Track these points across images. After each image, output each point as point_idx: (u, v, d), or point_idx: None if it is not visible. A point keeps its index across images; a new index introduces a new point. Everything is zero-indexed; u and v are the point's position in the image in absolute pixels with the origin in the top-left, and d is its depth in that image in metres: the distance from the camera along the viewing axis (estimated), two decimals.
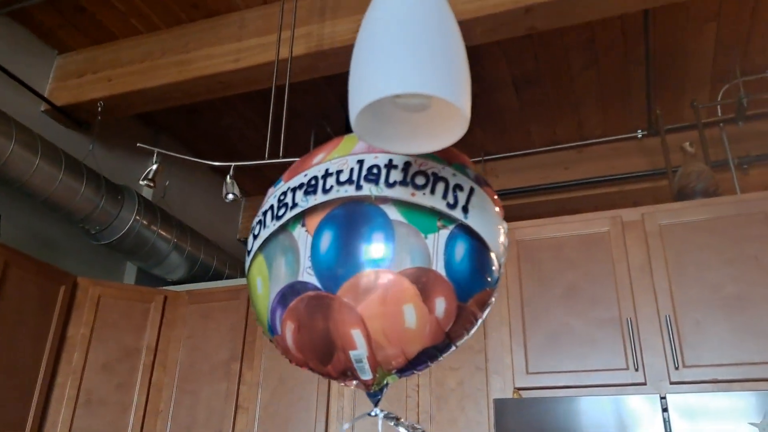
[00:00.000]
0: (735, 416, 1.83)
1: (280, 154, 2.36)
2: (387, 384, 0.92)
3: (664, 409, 1.92)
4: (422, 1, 0.77)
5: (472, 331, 0.92)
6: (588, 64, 3.29)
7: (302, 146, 4.00)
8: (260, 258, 0.99)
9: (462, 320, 0.87)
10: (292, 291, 0.92)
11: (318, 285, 0.89)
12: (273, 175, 4.48)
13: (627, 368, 2.22)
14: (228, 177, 2.24)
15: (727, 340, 2.15)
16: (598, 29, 3.08)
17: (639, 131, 3.63)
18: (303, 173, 0.98)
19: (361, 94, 0.69)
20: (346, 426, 0.99)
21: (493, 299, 0.91)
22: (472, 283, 0.88)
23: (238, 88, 3.05)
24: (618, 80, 3.37)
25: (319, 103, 3.72)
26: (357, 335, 0.88)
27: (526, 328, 2.42)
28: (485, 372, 2.59)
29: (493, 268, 0.90)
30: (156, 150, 2.25)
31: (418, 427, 0.93)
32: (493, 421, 2.37)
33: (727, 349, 2.14)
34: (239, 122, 3.88)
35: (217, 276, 3.86)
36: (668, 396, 1.93)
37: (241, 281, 3.31)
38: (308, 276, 0.90)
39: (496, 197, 0.97)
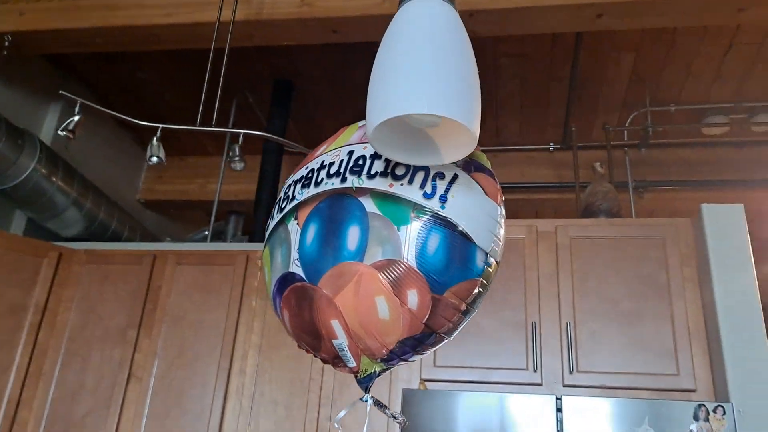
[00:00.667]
0: (620, 420, 2.00)
1: (213, 122, 2.29)
2: (375, 372, 0.94)
3: (559, 410, 2.06)
4: (441, 20, 0.79)
5: (464, 320, 0.93)
6: (515, 74, 3.42)
7: (223, 114, 3.88)
8: (266, 248, 1.02)
9: (440, 311, 0.89)
10: (284, 281, 0.94)
11: (303, 276, 0.91)
12: (189, 142, 4.31)
13: (527, 369, 2.36)
14: (154, 139, 2.14)
15: (618, 351, 2.34)
16: (531, 43, 3.20)
17: (552, 144, 3.82)
18: (305, 166, 0.98)
19: (378, 110, 0.71)
20: (341, 414, 0.99)
21: (480, 290, 0.92)
22: (447, 275, 0.89)
23: (169, 44, 2.90)
24: (540, 93, 3.53)
25: (245, 73, 3.62)
26: (336, 325, 0.90)
27: None
28: None
29: (476, 258, 0.91)
30: (79, 100, 2.10)
31: (399, 416, 0.96)
32: (399, 409, 2.44)
33: (618, 358, 2.32)
34: (157, 79, 3.70)
35: (115, 237, 3.67)
36: (563, 398, 2.08)
37: (147, 246, 3.18)
38: (296, 267, 0.92)
39: (491, 183, 0.96)
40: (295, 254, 0.92)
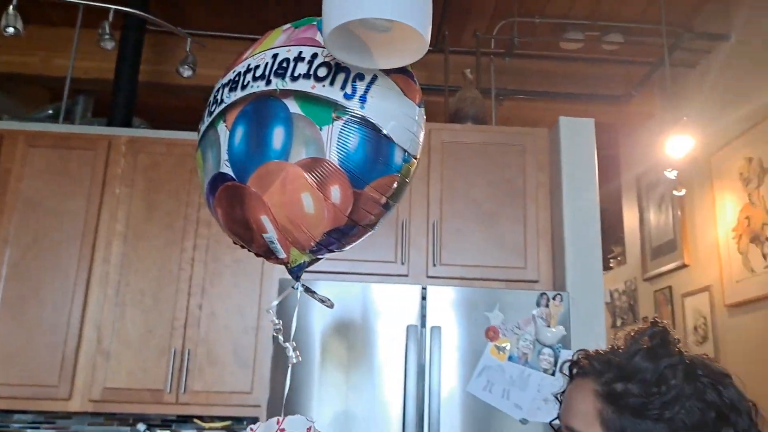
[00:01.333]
0: (476, 307, 2.24)
1: None
2: (305, 262, 0.99)
3: (423, 297, 2.26)
4: None
5: (385, 213, 1.00)
6: None
7: None
8: (199, 151, 1.03)
9: (362, 205, 0.95)
10: (216, 181, 0.96)
11: (233, 176, 0.93)
12: (30, 9, 3.83)
13: (395, 261, 2.53)
14: (11, 7, 1.92)
15: (476, 247, 2.57)
16: None
17: None
18: (233, 70, 0.96)
19: (335, 14, 0.73)
20: (274, 303, 1.04)
21: (398, 184, 0.99)
22: (366, 171, 0.95)
23: None
24: None
25: None
26: (265, 220, 0.94)
27: None
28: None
29: (395, 155, 0.97)
30: None
31: (327, 299, 1.03)
32: (266, 296, 2.53)
33: (476, 254, 2.56)
34: None
35: None
36: (428, 287, 2.28)
37: None
38: (226, 168, 0.95)
39: (410, 83, 0.99)
40: (224, 155, 0.95)
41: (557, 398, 0.96)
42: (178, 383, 2.58)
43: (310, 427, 0.90)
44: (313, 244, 0.96)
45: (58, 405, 2.56)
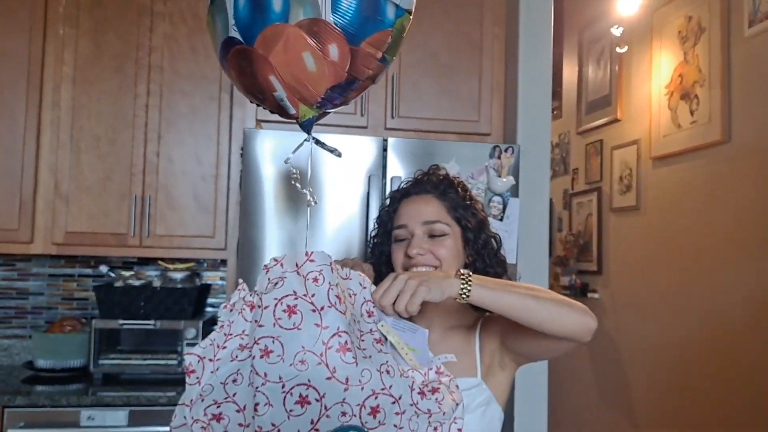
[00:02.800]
0: (433, 159, 2.36)
1: None
2: (314, 117, 1.06)
3: (384, 149, 2.37)
4: None
5: (383, 67, 1.07)
6: None
7: None
8: (209, 17, 1.08)
9: (359, 61, 1.02)
10: (227, 45, 1.03)
11: (241, 39, 1.00)
12: None
13: (355, 113, 2.59)
14: None
15: (433, 100, 2.66)
16: None
17: None
18: None
19: None
20: (291, 155, 1.12)
21: (393, 39, 1.05)
22: (360, 28, 1.00)
23: None
24: None
25: None
26: (274, 80, 0.99)
27: None
28: (218, 101, 2.70)
29: (387, 10, 1.03)
30: None
31: (335, 149, 1.13)
32: (225, 144, 2.58)
33: (432, 106, 2.65)
34: None
35: None
36: (388, 139, 2.38)
37: None
38: (234, 32, 1.01)
39: None
40: (231, 20, 1.01)
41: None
42: (141, 227, 2.66)
43: (332, 261, 1.02)
44: (318, 99, 1.03)
45: (20, 248, 2.61)
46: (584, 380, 4.44)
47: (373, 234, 1.39)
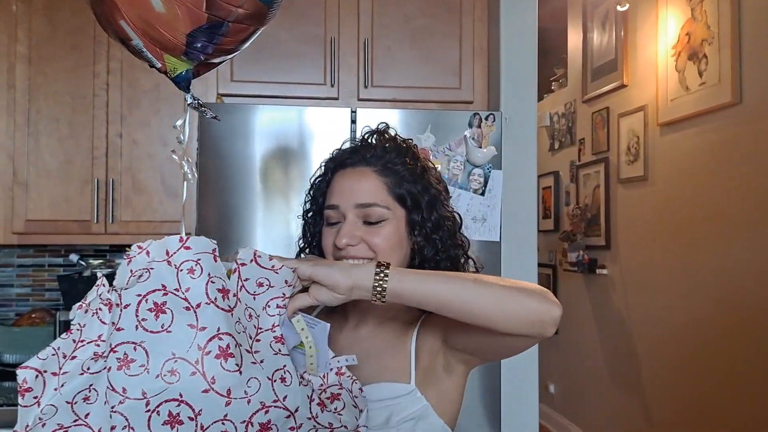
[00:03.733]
0: (407, 129, 2.18)
1: None
2: (188, 71, 0.89)
3: (353, 121, 2.18)
4: None
5: (266, 5, 0.88)
6: None
7: None
8: None
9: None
10: None
11: None
12: None
13: (324, 83, 2.41)
14: None
15: (409, 67, 2.45)
16: None
17: None
18: None
19: None
20: (179, 122, 0.93)
21: None
22: None
23: None
24: None
25: None
26: (125, 26, 0.82)
27: None
28: None
29: None
30: None
31: (215, 115, 0.95)
32: (194, 123, 2.41)
33: (408, 74, 2.45)
34: None
35: None
36: (358, 110, 2.19)
37: None
38: None
39: None
40: None
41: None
42: (106, 213, 2.51)
43: (215, 249, 0.84)
44: (181, 46, 0.85)
45: None
46: (593, 360, 4.25)
47: (304, 209, 1.16)
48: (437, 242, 1.07)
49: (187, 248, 0.82)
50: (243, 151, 2.15)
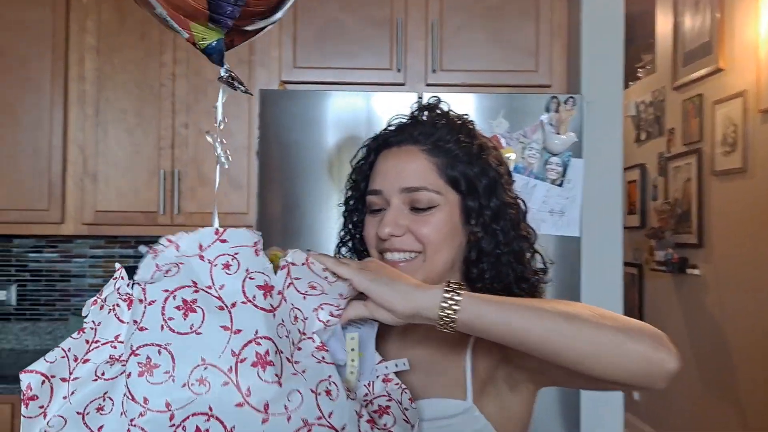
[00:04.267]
0: (478, 115, 2.03)
1: None
2: (219, 39, 0.79)
3: None
4: None
5: None
6: None
7: None
8: None
9: None
10: None
11: None
12: None
13: (391, 68, 2.29)
14: None
15: (481, 48, 2.30)
16: None
17: None
18: None
19: None
20: (219, 103, 0.84)
21: None
22: None
23: None
24: None
25: None
26: None
27: (297, 20, 2.30)
28: (249, 64, 2.47)
29: None
30: None
31: (247, 90, 0.84)
32: (256, 111, 2.33)
33: (480, 56, 2.29)
34: None
35: None
36: (425, 96, 2.05)
37: None
38: None
39: None
40: None
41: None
42: (172, 205, 2.49)
43: (257, 242, 0.73)
44: (205, 12, 0.74)
45: (51, 229, 2.51)
46: (686, 367, 3.94)
47: (346, 196, 1.03)
48: (498, 233, 0.91)
49: (224, 241, 0.71)
50: (306, 140, 2.06)
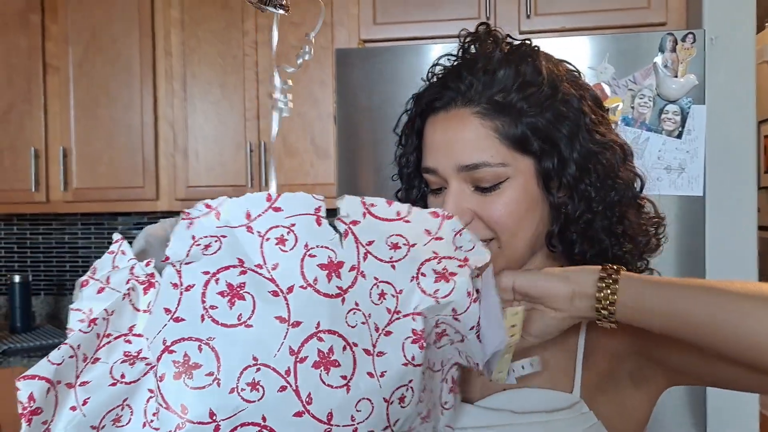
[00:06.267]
0: (579, 61, 1.78)
1: None
2: None
3: None
4: None
5: None
6: None
7: None
8: None
9: None
10: None
11: None
12: None
13: (478, 17, 2.08)
14: None
15: None
16: None
17: None
18: None
19: None
20: (313, 33, 0.70)
21: None
22: None
23: None
24: None
25: None
26: None
27: None
28: (330, 26, 2.35)
29: None
30: None
31: (276, 7, 0.69)
32: (333, 70, 2.21)
33: None
34: None
35: None
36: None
37: None
38: None
39: None
40: None
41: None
42: (259, 177, 2.44)
43: (319, 208, 0.57)
44: None
45: (148, 206, 2.54)
46: None
47: (399, 155, 0.85)
48: (588, 191, 0.72)
49: (277, 209, 0.57)
50: (388, 102, 1.91)
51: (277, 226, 0.56)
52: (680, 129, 1.72)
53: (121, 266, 0.59)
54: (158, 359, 0.54)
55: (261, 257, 0.55)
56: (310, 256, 0.55)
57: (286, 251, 0.55)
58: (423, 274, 0.58)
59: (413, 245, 0.59)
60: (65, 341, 0.56)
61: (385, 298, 0.57)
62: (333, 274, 0.56)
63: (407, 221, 0.59)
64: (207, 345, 0.53)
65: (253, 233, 0.56)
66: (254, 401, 0.52)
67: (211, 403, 0.52)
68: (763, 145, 4.24)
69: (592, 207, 0.72)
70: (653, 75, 1.73)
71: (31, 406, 0.53)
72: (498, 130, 0.71)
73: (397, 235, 0.59)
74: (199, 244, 0.56)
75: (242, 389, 0.52)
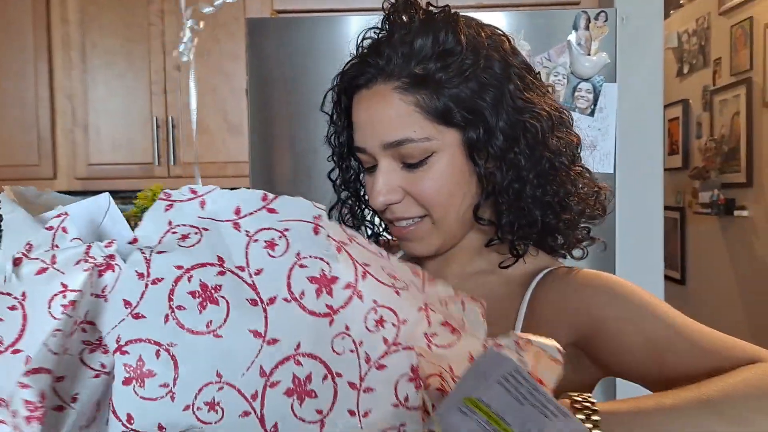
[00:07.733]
0: None
1: None
2: None
3: None
4: None
5: None
6: None
7: None
8: None
9: None
10: None
11: None
12: None
13: None
14: None
15: None
16: None
17: None
18: None
19: None
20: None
21: None
22: None
23: None
24: None
25: None
26: None
27: None
28: None
29: None
30: None
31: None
32: (245, 41, 2.12)
33: None
34: None
35: None
36: None
37: None
38: None
39: None
40: None
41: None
42: (167, 155, 2.31)
43: (320, 216, 0.48)
44: None
45: (44, 185, 2.36)
46: (731, 314, 3.69)
47: (330, 135, 0.81)
48: (517, 159, 0.69)
49: (272, 211, 0.48)
50: (301, 75, 1.84)
51: (268, 228, 0.48)
52: (593, 107, 1.75)
53: (62, 246, 0.47)
54: (113, 357, 0.47)
55: (245, 258, 0.47)
56: (300, 266, 0.48)
57: (275, 257, 0.48)
58: (433, 311, 0.49)
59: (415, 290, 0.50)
60: None
61: (383, 326, 0.49)
62: (324, 289, 0.48)
63: (398, 294, 0.50)
64: (166, 351, 0.46)
65: (240, 231, 0.48)
66: (210, 423, 0.46)
67: (162, 418, 0.46)
68: (667, 128, 4.44)
69: (522, 176, 0.69)
70: (567, 53, 1.74)
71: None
72: (419, 104, 0.68)
73: (397, 276, 0.49)
74: (175, 232, 0.47)
75: (198, 408, 0.46)
